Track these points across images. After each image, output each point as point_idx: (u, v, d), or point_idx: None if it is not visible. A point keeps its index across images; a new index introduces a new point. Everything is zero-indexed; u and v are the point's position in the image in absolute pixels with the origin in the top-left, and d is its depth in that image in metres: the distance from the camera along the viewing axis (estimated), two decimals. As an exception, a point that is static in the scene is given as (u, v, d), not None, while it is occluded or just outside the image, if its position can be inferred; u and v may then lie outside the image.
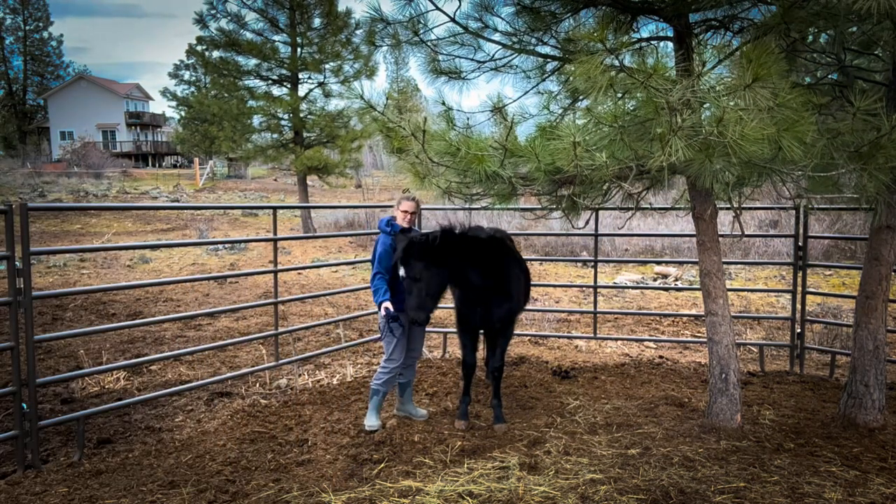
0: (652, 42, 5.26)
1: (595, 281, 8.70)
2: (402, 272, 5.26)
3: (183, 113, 40.80)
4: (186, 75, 43.07)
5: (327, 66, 25.11)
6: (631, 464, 4.85)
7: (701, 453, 5.01)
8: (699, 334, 9.32)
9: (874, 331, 5.56)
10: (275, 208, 7.21)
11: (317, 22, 25.21)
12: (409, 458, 5.07)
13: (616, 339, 8.96)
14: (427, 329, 8.90)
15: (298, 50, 24.76)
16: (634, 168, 4.43)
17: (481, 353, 6.40)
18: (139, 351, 8.45)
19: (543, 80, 5.89)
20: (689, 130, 3.90)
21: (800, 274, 7.42)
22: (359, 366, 7.82)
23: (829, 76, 5.54)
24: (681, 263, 15.32)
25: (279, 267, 7.37)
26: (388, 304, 5.54)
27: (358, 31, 24.15)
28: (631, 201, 5.57)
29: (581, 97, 5.65)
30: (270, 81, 25.53)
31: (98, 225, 25.55)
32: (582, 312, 10.00)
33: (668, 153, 3.85)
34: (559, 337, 9.04)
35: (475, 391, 6.70)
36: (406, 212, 5.76)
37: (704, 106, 4.15)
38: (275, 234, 7.33)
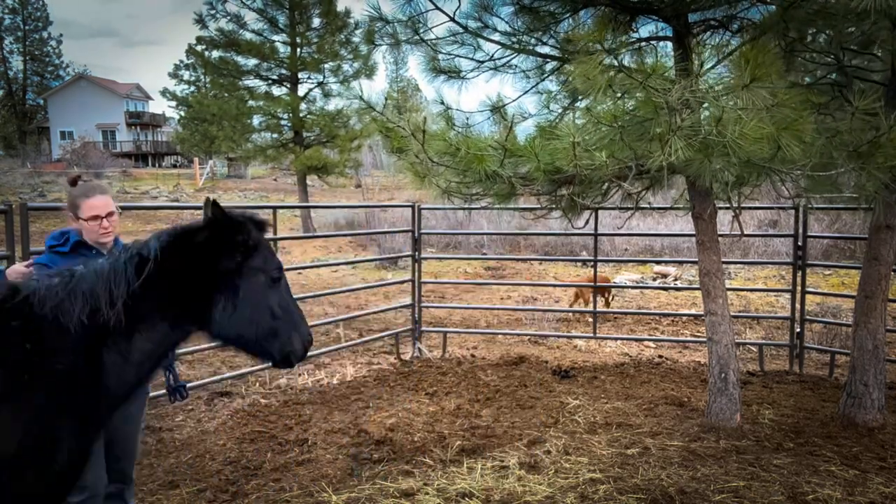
0: (651, 42, 5.27)
1: (595, 280, 8.70)
2: None
3: (183, 113, 40.79)
4: (186, 75, 43.14)
5: (326, 65, 25.14)
6: (630, 463, 4.85)
7: (700, 453, 5.02)
8: (699, 334, 9.32)
9: (873, 330, 5.56)
10: (275, 208, 7.22)
11: (316, 22, 25.24)
12: (409, 457, 5.08)
13: (616, 339, 8.96)
14: (426, 329, 8.90)
15: (298, 50, 24.77)
16: (634, 168, 4.44)
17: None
18: (139, 351, 8.44)
19: (543, 79, 5.90)
20: (689, 130, 3.91)
21: (799, 273, 7.43)
22: (359, 365, 7.82)
23: (829, 76, 5.55)
24: (680, 263, 15.33)
25: (279, 267, 7.37)
26: None
27: (357, 31, 24.17)
28: (630, 201, 5.58)
29: (580, 97, 5.66)
30: (270, 81, 25.55)
31: (98, 225, 25.50)
32: (582, 312, 10.00)
33: (667, 153, 3.85)
34: (559, 336, 9.05)
35: (475, 391, 6.71)
36: (98, 217, 3.25)
37: (704, 106, 4.15)
38: (275, 233, 7.33)
